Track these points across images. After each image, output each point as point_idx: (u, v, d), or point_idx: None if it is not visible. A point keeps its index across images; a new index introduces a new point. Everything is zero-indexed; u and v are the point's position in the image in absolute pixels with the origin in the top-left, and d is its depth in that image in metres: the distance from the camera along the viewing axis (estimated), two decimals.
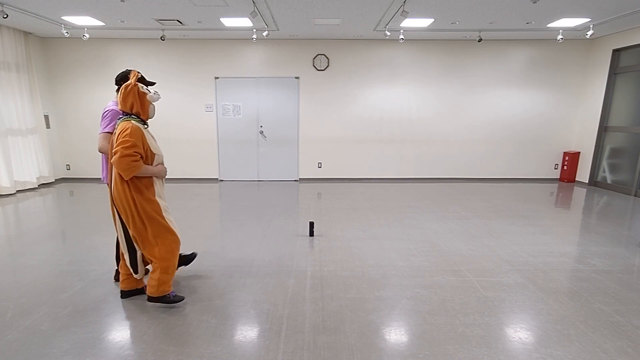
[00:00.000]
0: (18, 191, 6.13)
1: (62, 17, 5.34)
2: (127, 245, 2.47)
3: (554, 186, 6.82)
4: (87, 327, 2.27)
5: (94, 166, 7.25)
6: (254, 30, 5.89)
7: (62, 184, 6.88)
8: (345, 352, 2.06)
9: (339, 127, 7.15)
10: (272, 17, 5.32)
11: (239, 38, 6.68)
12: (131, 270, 2.53)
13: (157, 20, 5.47)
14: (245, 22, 5.51)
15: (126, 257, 2.49)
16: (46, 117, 6.80)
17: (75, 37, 6.38)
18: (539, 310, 2.50)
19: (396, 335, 2.22)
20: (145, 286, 2.57)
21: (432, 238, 3.90)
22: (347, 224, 4.41)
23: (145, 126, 2.41)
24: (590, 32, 5.68)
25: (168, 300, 2.50)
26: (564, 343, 2.14)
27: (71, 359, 1.98)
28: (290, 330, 2.26)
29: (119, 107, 2.41)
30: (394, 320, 2.38)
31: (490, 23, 5.62)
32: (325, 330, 2.26)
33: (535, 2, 4.57)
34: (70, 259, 3.31)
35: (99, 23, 5.61)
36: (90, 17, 5.33)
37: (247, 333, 2.24)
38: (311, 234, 3.96)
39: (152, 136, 2.46)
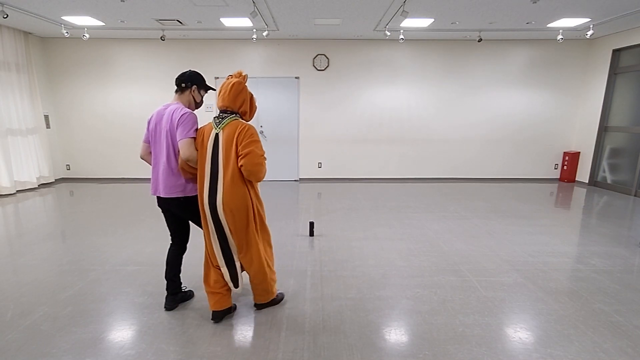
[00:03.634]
0: (18, 191, 6.13)
1: (62, 17, 5.34)
2: (225, 258, 2.26)
3: (554, 186, 6.82)
4: (87, 327, 2.27)
5: (94, 166, 7.25)
6: (254, 30, 5.89)
7: (62, 184, 6.88)
8: (345, 352, 2.06)
9: (339, 127, 7.15)
10: (272, 17, 5.32)
11: (239, 38, 6.68)
12: (231, 284, 2.31)
13: (157, 20, 5.47)
14: (245, 22, 5.50)
15: (224, 271, 2.28)
16: (46, 117, 6.80)
17: (75, 37, 6.38)
18: (539, 310, 2.50)
19: (396, 335, 2.22)
20: (235, 305, 2.48)
21: (432, 238, 3.90)
22: (347, 224, 4.41)
23: None
24: (590, 32, 5.68)
25: (277, 300, 2.53)
26: (564, 343, 2.14)
27: (71, 359, 1.98)
28: (290, 330, 2.26)
29: (222, 104, 2.20)
30: (394, 320, 2.38)
31: (490, 23, 5.62)
32: (325, 330, 2.26)
33: (535, 2, 4.57)
34: (70, 259, 3.31)
35: (99, 23, 5.61)
36: (90, 17, 5.33)
37: (247, 333, 2.24)
38: (311, 234, 3.96)
39: None
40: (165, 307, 2.49)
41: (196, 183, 2.31)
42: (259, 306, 2.48)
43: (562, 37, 5.77)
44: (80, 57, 6.83)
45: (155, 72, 6.88)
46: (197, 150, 2.20)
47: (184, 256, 2.54)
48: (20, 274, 3.00)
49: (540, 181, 7.27)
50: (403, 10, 4.63)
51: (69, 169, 7.28)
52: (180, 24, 5.64)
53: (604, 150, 6.68)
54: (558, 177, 7.39)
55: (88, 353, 2.03)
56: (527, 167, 7.37)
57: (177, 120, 2.21)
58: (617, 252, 3.53)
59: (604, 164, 6.68)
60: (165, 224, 2.51)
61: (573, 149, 7.24)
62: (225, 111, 2.22)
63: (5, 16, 4.68)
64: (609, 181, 6.58)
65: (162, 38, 6.16)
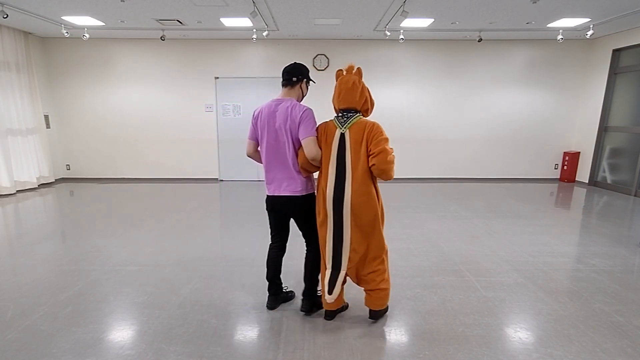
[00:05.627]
0: (18, 191, 6.13)
1: (62, 17, 5.34)
2: (334, 259, 2.23)
3: (554, 186, 6.82)
4: (87, 327, 2.27)
5: (94, 166, 7.25)
6: (254, 30, 5.89)
7: (62, 184, 6.88)
8: (345, 352, 2.06)
9: None
10: (272, 17, 5.32)
11: (239, 38, 6.67)
12: (326, 289, 2.23)
13: (157, 20, 5.47)
14: (245, 22, 5.50)
15: (327, 272, 2.25)
16: (46, 117, 6.80)
17: (75, 37, 6.38)
18: (539, 310, 2.50)
19: (396, 335, 2.22)
20: (346, 305, 2.46)
21: (432, 238, 3.90)
22: None
23: None
24: (590, 32, 5.68)
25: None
26: (564, 343, 2.14)
27: (71, 359, 1.98)
28: (290, 330, 2.26)
29: (346, 105, 2.22)
30: (394, 320, 2.37)
31: (490, 23, 5.62)
32: (325, 330, 2.26)
33: (535, 2, 4.57)
34: (70, 259, 3.31)
35: (99, 23, 5.61)
36: (90, 17, 5.33)
37: (247, 333, 2.24)
38: None
39: None
40: (267, 306, 2.51)
41: (310, 180, 2.34)
42: (373, 314, 2.33)
43: (562, 37, 5.77)
44: (80, 57, 6.83)
45: (155, 72, 6.88)
46: (321, 149, 2.18)
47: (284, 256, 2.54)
48: (20, 274, 3.00)
49: (540, 181, 7.26)
50: (403, 10, 4.62)
51: (69, 169, 7.28)
52: (180, 24, 5.64)
53: (604, 150, 6.68)
54: (558, 177, 7.39)
55: (88, 353, 2.03)
56: (527, 167, 7.37)
57: (298, 117, 2.16)
58: (617, 252, 3.53)
59: (604, 164, 6.68)
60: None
61: (573, 149, 7.24)
62: (348, 110, 2.20)
63: (5, 16, 4.68)
64: (609, 181, 6.58)
65: (162, 38, 6.16)
